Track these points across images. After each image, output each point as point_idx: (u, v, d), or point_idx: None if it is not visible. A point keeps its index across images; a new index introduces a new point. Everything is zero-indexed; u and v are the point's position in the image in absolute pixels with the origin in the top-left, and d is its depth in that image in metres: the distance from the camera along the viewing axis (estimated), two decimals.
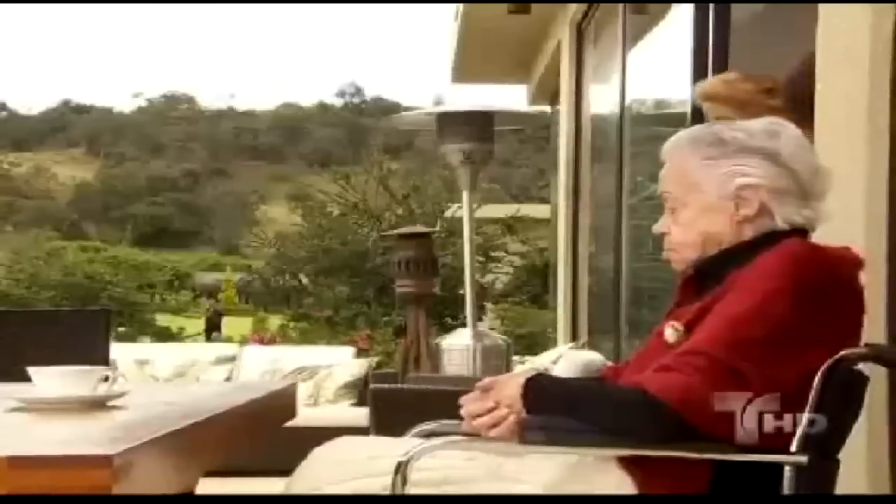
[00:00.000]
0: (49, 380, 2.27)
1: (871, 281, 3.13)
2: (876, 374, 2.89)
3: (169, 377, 8.90)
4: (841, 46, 3.33)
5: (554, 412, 2.19)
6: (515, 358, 9.39)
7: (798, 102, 3.41)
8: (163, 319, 27.99)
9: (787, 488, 2.12)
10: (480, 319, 16.22)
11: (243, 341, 12.30)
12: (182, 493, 2.69)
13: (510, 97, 18.81)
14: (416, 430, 2.60)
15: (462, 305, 8.52)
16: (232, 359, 9.47)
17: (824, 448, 2.15)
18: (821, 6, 3.46)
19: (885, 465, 3.12)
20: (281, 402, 2.95)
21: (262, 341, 12.25)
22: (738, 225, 2.31)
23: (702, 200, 2.35)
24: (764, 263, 2.17)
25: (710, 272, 2.32)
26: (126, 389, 2.42)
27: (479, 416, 2.25)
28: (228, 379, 8.89)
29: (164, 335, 21.88)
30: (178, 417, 2.02)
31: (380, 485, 2.18)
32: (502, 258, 16.97)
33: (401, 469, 2.12)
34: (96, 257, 34.00)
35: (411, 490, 2.14)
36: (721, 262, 2.30)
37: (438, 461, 2.21)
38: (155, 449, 1.64)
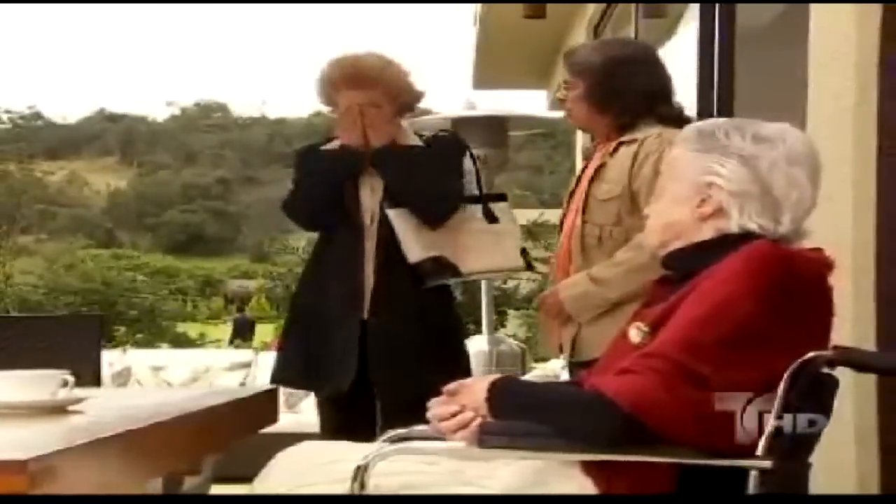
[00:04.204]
0: (7, 385, 2.27)
1: (861, 282, 3.10)
2: (866, 378, 2.86)
3: (184, 382, 8.96)
4: (830, 46, 3.29)
5: (517, 415, 2.17)
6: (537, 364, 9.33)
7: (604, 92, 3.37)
8: (186, 326, 28.06)
9: (752, 492, 2.08)
10: (503, 325, 16.16)
11: (264, 347, 12.31)
12: (184, 494, 2.68)
13: (532, 102, 18.77)
14: (386, 435, 2.58)
15: None
16: (247, 365, 9.51)
17: (791, 452, 2.10)
18: (812, 7, 3.43)
19: (874, 470, 3.08)
20: (259, 406, 2.93)
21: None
22: (698, 221, 2.28)
23: (676, 190, 2.32)
24: (728, 264, 2.13)
25: (678, 272, 2.29)
26: (87, 395, 2.42)
27: (446, 419, 2.24)
28: (243, 384, 8.93)
29: (183, 341, 21.95)
30: (139, 420, 2.00)
31: (340, 490, 2.15)
32: None
33: (359, 474, 2.11)
34: (121, 264, 34.10)
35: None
36: (688, 262, 2.26)
37: (400, 466, 2.19)
38: (86, 452, 1.62)
